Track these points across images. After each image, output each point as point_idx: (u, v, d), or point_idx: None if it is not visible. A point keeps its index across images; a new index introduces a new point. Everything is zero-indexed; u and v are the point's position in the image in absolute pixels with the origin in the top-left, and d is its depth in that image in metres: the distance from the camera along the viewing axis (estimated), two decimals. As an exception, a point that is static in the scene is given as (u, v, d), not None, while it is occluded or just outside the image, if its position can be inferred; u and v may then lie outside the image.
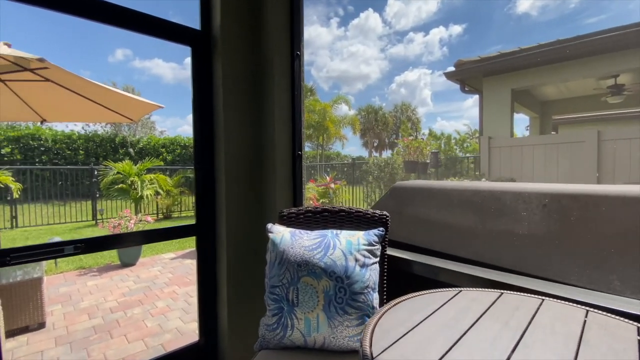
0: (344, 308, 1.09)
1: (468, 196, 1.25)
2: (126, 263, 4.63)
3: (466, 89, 6.17)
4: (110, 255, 4.97)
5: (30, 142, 12.01)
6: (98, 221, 8.87)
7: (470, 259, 1.19)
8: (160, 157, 15.09)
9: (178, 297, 3.50)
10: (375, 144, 32.06)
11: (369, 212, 1.33)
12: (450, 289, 0.98)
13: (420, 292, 0.95)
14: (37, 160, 11.97)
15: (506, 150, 5.31)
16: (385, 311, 0.84)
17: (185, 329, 2.80)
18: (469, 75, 5.91)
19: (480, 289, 0.99)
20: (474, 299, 0.92)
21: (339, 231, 1.26)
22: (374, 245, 1.19)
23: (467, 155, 9.26)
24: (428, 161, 6.22)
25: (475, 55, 5.81)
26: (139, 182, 8.71)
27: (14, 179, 7.29)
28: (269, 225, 1.35)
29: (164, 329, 2.79)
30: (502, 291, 0.97)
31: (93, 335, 2.69)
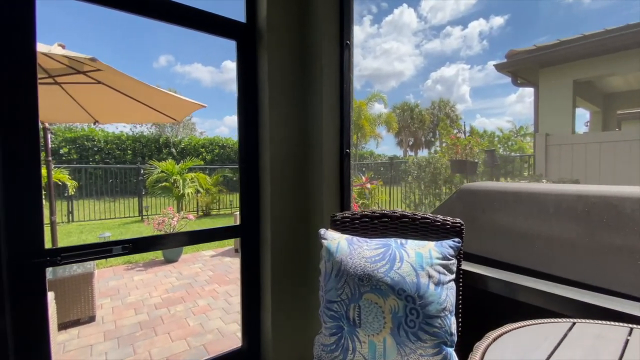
0: (417, 333, 0.92)
1: (570, 202, 1.03)
2: (169, 259, 4.76)
3: (518, 81, 5.65)
4: (155, 254, 5.15)
5: (85, 142, 12.98)
6: (144, 217, 9.37)
7: (570, 279, 0.98)
8: (200, 156, 15.69)
9: (218, 295, 3.50)
10: (411, 143, 31.03)
11: (438, 219, 1.15)
12: (559, 319, 0.78)
13: (522, 323, 0.76)
14: (90, 159, 12.92)
15: (567, 149, 4.78)
16: (487, 348, 0.67)
17: (226, 330, 2.77)
18: (523, 67, 5.40)
19: (600, 322, 0.78)
20: (598, 335, 0.71)
21: (404, 241, 1.10)
22: (449, 260, 1.01)
23: (513, 154, 8.59)
24: (476, 160, 5.79)
25: (519, 47, 5.31)
26: (180, 181, 9.05)
27: (70, 177, 7.86)
28: (322, 231, 1.22)
29: (206, 329, 2.77)
30: (631, 326, 0.76)
31: (139, 331, 2.74)
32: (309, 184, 1.78)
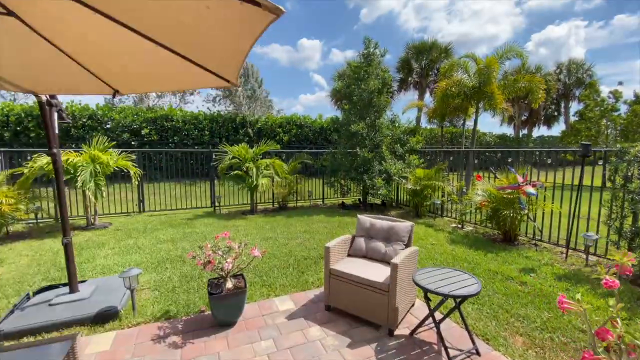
0: None
1: None
2: (222, 321, 2.88)
3: None
4: (204, 298, 3.32)
5: (165, 122, 12.49)
6: (216, 208, 8.15)
7: None
8: (277, 137, 14.27)
9: None
10: (525, 118, 24.96)
11: None
12: None
13: None
14: (169, 140, 12.45)
15: None
16: None
17: None
18: None
19: None
20: None
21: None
22: None
23: None
24: None
25: None
26: (254, 169, 7.45)
27: (135, 165, 6.78)
28: None
29: None
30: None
31: None
32: None
